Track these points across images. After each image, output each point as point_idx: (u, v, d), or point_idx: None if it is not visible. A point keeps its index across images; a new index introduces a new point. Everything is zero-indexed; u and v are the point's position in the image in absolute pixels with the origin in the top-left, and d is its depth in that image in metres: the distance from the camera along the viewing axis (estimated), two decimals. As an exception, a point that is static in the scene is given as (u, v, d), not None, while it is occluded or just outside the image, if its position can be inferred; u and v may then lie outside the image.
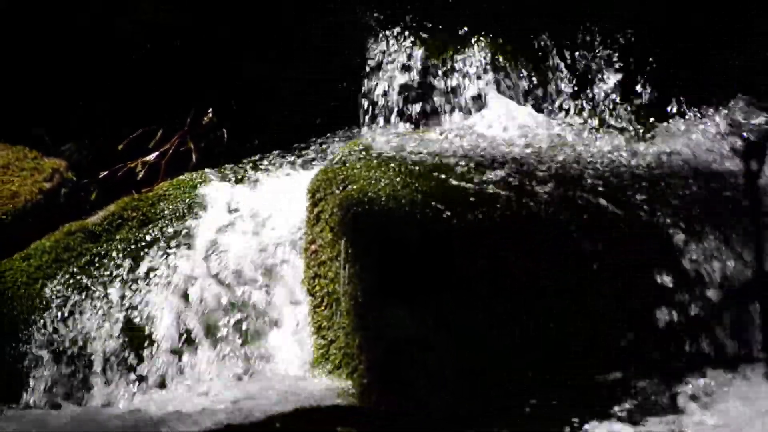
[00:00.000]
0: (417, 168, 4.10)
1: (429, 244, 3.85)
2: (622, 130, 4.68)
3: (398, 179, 4.00)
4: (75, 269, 4.47)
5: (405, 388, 3.74)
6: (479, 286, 3.81)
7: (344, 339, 3.94)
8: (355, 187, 4.01)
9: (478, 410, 3.59)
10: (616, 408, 3.58)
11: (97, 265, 4.48)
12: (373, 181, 4.00)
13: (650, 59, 5.02)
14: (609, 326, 3.83)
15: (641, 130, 4.68)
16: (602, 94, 5.02)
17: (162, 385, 4.16)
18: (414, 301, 3.79)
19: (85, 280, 4.42)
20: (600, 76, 5.05)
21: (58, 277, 4.44)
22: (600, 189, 4.07)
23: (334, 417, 3.61)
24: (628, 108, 4.92)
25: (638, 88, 5.00)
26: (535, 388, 3.65)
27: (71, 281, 4.42)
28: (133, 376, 4.19)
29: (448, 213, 3.86)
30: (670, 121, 4.77)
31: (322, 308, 4.08)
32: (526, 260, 3.84)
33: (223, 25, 5.33)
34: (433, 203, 3.89)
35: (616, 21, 5.11)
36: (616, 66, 5.05)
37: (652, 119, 4.80)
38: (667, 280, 3.86)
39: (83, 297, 4.37)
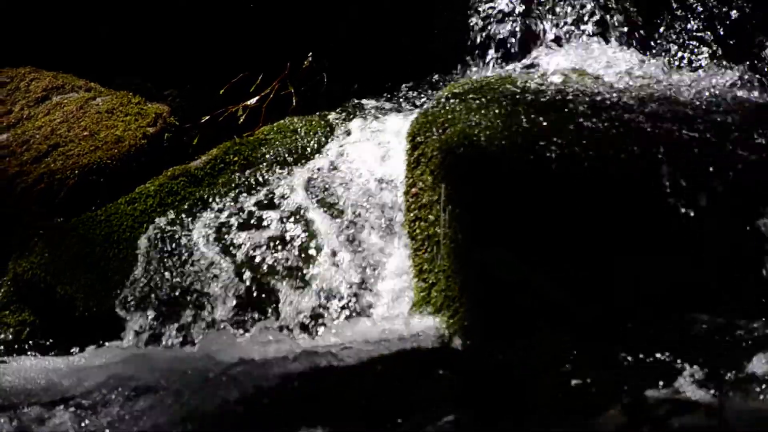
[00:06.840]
0: (518, 109, 4.05)
1: (530, 186, 3.81)
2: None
3: (499, 121, 3.95)
4: (179, 213, 4.53)
5: (506, 330, 3.73)
6: (580, 227, 3.77)
7: (445, 282, 3.93)
8: (455, 129, 3.97)
9: (584, 353, 3.56)
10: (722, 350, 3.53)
11: (200, 208, 4.54)
12: (473, 123, 3.96)
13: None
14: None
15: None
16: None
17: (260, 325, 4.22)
18: (513, 243, 3.77)
19: (188, 224, 4.48)
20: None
21: (163, 221, 4.51)
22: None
23: (435, 360, 3.62)
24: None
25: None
26: (649, 332, 3.62)
27: (175, 224, 4.49)
28: (234, 318, 4.25)
29: (550, 154, 3.81)
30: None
31: (423, 251, 4.07)
32: (634, 201, 3.79)
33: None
34: (534, 145, 3.85)
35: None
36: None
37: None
38: None
39: (187, 240, 4.44)
